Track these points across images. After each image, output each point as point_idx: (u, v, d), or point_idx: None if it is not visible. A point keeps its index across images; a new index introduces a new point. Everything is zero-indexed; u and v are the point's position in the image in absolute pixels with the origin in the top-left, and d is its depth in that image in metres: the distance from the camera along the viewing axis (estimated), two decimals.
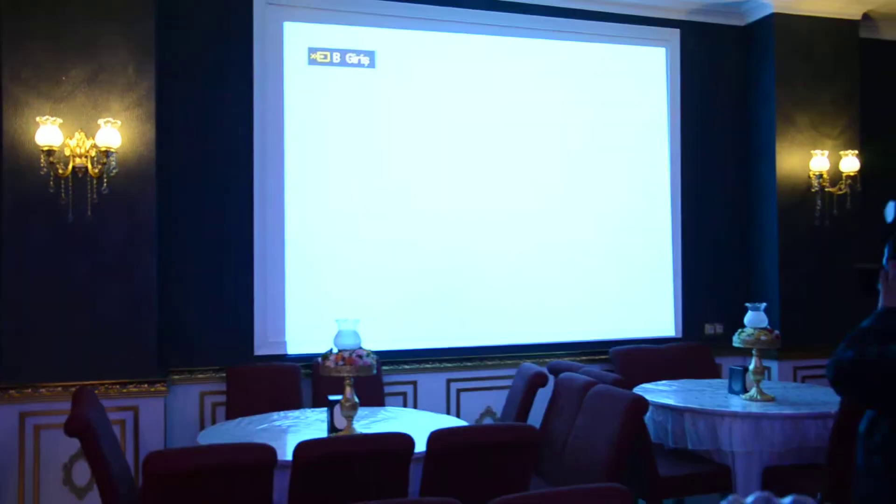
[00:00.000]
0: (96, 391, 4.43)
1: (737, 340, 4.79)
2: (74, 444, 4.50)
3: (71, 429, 3.59)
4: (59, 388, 4.62)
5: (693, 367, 5.93)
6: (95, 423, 3.69)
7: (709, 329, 6.50)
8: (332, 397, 3.99)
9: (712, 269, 6.55)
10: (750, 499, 1.18)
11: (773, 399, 4.68)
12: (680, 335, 6.41)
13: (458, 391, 5.79)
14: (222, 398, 5.22)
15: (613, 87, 6.36)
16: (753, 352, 4.74)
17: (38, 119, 4.55)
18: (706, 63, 6.60)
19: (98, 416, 3.88)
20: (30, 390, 4.61)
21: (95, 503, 4.47)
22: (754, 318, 4.77)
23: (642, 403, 3.97)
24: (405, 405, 5.62)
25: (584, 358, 5.93)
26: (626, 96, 6.40)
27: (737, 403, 4.64)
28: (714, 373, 6.03)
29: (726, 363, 6.04)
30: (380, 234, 5.72)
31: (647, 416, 4.59)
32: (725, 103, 6.65)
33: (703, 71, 6.59)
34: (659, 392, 5.01)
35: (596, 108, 6.29)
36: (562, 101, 6.19)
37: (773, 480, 4.33)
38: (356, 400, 3.89)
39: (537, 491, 2.54)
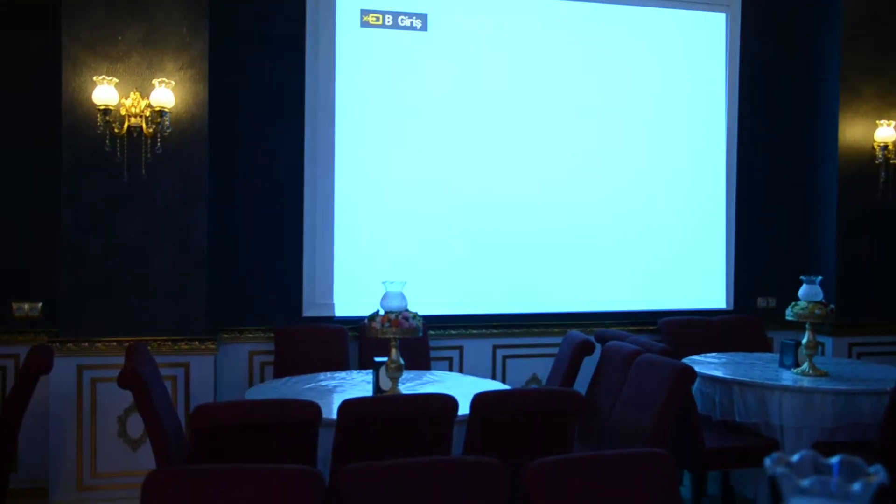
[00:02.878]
0: (149, 347, 4.54)
1: (790, 314, 4.67)
2: (128, 398, 4.60)
3: (124, 382, 3.68)
4: (114, 343, 4.74)
5: (744, 341, 5.82)
6: (147, 377, 3.78)
7: (761, 302, 6.37)
8: (377, 359, 4.02)
9: (767, 241, 6.39)
10: (796, 457, 1.15)
11: (825, 374, 4.57)
12: (731, 308, 6.29)
13: (504, 357, 5.79)
14: (270, 358, 5.31)
15: (671, 53, 6.21)
16: (807, 326, 4.63)
17: (95, 78, 4.63)
18: (768, 29, 6.39)
19: (150, 371, 3.97)
20: (86, 344, 4.74)
21: (148, 455, 4.57)
22: (809, 292, 4.65)
23: (689, 372, 3.92)
24: (451, 370, 5.64)
25: (632, 328, 5.86)
26: (684, 63, 6.24)
27: (788, 377, 4.55)
28: (765, 347, 5.91)
29: (778, 338, 5.90)
30: (428, 198, 5.71)
31: (695, 388, 4.53)
32: (787, 70, 6.44)
33: (765, 36, 6.38)
34: (707, 364, 4.93)
35: (652, 74, 6.15)
36: (617, 68, 6.07)
37: (824, 456, 4.23)
38: (401, 362, 3.90)
39: (579, 454, 2.53)
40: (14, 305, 5.13)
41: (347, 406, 3.13)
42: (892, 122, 6.03)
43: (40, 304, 5.14)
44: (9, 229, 5.12)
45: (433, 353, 5.54)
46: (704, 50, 6.30)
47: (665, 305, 6.10)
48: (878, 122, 6.07)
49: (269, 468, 2.17)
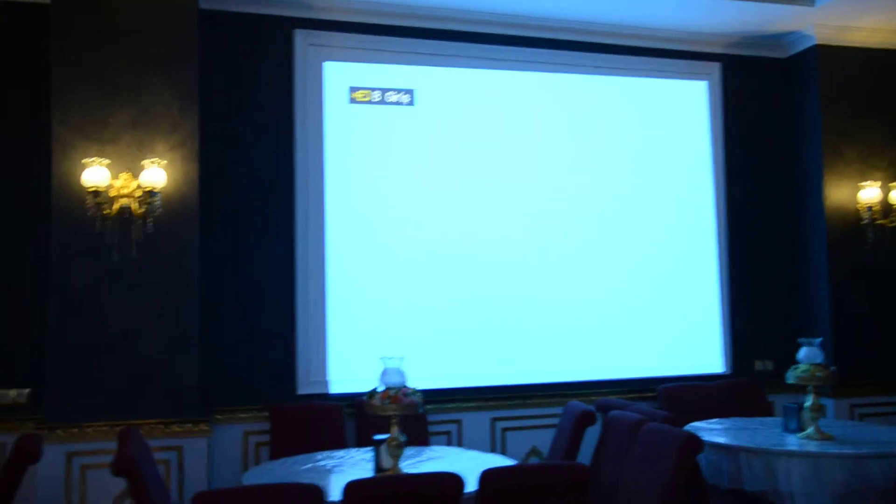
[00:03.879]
0: (141, 430, 4.41)
1: (791, 377, 4.64)
2: (120, 484, 4.48)
3: (118, 469, 3.56)
4: (105, 428, 4.61)
5: (744, 405, 5.77)
6: (142, 463, 3.66)
7: (759, 365, 6.34)
8: (377, 436, 3.92)
9: (761, 305, 6.40)
10: None
11: (831, 438, 4.51)
12: (729, 372, 6.25)
13: (504, 430, 5.69)
14: (265, 437, 5.18)
15: (655, 121, 6.31)
16: (809, 389, 4.59)
17: (84, 161, 4.61)
18: (748, 96, 6.54)
19: (144, 456, 3.86)
20: (76, 430, 4.60)
21: None
22: (809, 354, 4.63)
23: (697, 442, 3.85)
24: (449, 444, 5.53)
25: (630, 395, 5.80)
26: (668, 130, 6.35)
27: (793, 442, 4.48)
28: (766, 410, 5.85)
29: (778, 401, 5.88)
30: (421, 272, 5.68)
31: (700, 456, 4.45)
32: (769, 136, 6.56)
33: (746, 103, 6.52)
34: (710, 430, 4.86)
35: (637, 142, 6.24)
36: (602, 136, 6.15)
37: None
38: (403, 439, 3.82)
39: None
40: (0, 392, 4.99)
41: (352, 488, 3.04)
42: (879, 183, 6.12)
43: (27, 391, 5.01)
44: None
45: (431, 428, 5.43)
46: (689, 117, 6.41)
47: (663, 372, 6.06)
48: (860, 183, 6.16)
49: None
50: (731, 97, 6.48)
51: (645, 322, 6.11)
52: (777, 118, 6.58)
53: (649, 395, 5.92)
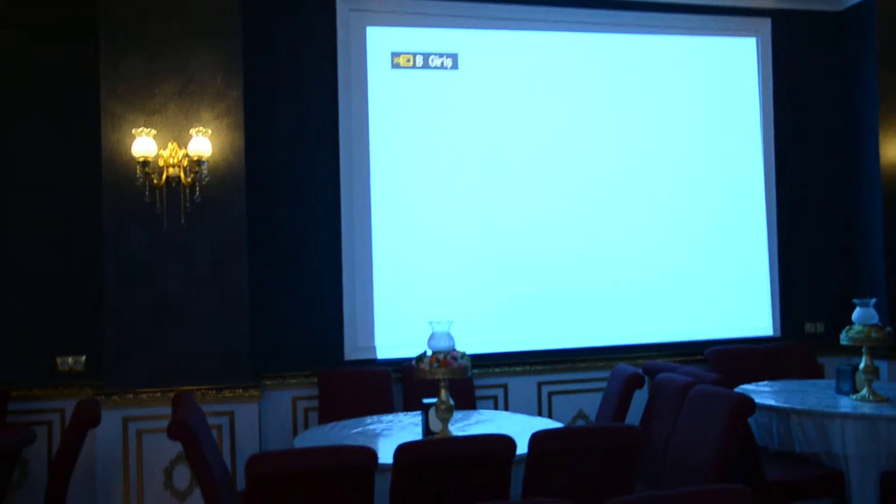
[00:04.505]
0: (193, 396, 4.50)
1: (844, 338, 4.56)
2: (174, 449, 4.58)
3: (173, 432, 3.64)
4: (159, 394, 4.71)
5: (794, 368, 5.69)
6: (196, 427, 3.74)
7: (809, 327, 6.23)
8: (426, 400, 3.95)
9: (812, 265, 6.27)
10: None
11: (886, 400, 4.43)
12: (778, 334, 6.16)
13: (550, 394, 5.69)
14: (314, 403, 5.26)
15: (703, 80, 6.18)
16: (864, 350, 4.51)
17: (133, 131, 4.66)
18: (800, 51, 6.36)
19: (198, 421, 3.94)
20: (131, 396, 4.71)
21: None
22: (863, 315, 4.54)
23: (749, 403, 3.81)
24: (496, 409, 5.55)
25: (678, 359, 5.76)
26: (717, 89, 6.21)
27: (847, 404, 4.42)
28: (817, 373, 5.77)
29: (829, 363, 5.79)
30: (467, 236, 5.67)
31: (750, 419, 4.41)
32: (821, 92, 6.38)
33: (797, 60, 6.34)
34: (761, 393, 4.81)
35: (687, 102, 6.12)
36: (650, 97, 6.04)
37: (893, 486, 4.09)
38: (451, 402, 3.83)
39: (657, 492, 2.44)
40: (58, 360, 5.13)
41: (404, 450, 3.06)
42: None
43: (84, 358, 5.14)
44: (50, 283, 5.15)
45: (477, 392, 5.46)
46: (738, 75, 6.26)
47: (711, 335, 5.99)
48: None
49: None
50: (781, 54, 6.31)
51: (694, 285, 6.04)
52: (830, 75, 6.38)
53: (698, 358, 5.86)
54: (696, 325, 6.02)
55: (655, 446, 4.31)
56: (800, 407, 4.37)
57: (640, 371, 4.81)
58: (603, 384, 5.14)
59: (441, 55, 5.71)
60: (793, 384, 5.15)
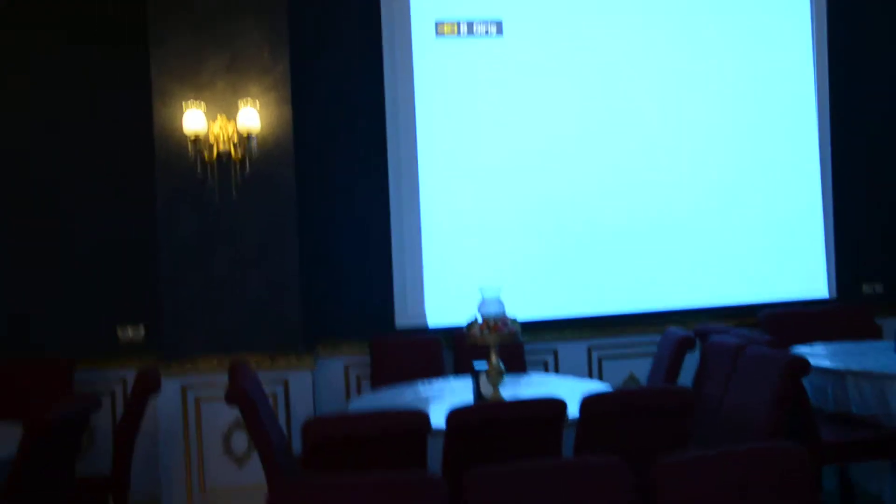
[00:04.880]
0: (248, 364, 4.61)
1: None
2: (232, 415, 4.71)
3: (231, 398, 3.75)
4: (215, 362, 4.83)
5: (851, 330, 5.56)
6: (253, 394, 3.84)
7: (867, 289, 6.10)
8: (477, 365, 3.98)
9: (869, 225, 6.11)
10: None
11: None
12: (834, 296, 6.04)
13: (600, 358, 5.69)
14: (366, 370, 5.34)
15: (755, 39, 6.00)
16: None
17: (183, 104, 4.75)
18: (856, 9, 6.13)
19: (254, 387, 4.04)
20: (189, 364, 4.84)
21: (253, 470, 4.68)
22: None
23: (802, 363, 3.78)
24: (547, 373, 5.57)
25: (730, 322, 5.68)
26: (770, 49, 6.03)
27: None
28: (875, 335, 5.64)
29: (888, 325, 5.66)
30: (515, 202, 5.66)
31: (804, 380, 4.35)
32: (879, 51, 6.15)
33: (853, 17, 6.11)
34: (816, 354, 4.73)
35: (738, 62, 5.97)
36: (701, 58, 5.90)
37: None
38: (502, 367, 3.87)
39: (709, 450, 2.44)
40: (119, 331, 5.30)
41: (457, 414, 3.11)
42: None
43: (142, 328, 5.30)
44: (108, 256, 5.30)
45: (528, 357, 5.48)
46: (791, 34, 6.08)
47: (764, 298, 5.90)
48: None
49: (392, 476, 2.16)
50: (836, 12, 6.08)
51: (745, 247, 5.93)
52: (889, 32, 6.14)
53: (750, 321, 5.78)
54: (749, 288, 5.93)
55: (708, 409, 4.29)
56: (857, 368, 4.30)
57: (691, 334, 4.77)
58: (653, 348, 5.12)
59: (486, 22, 5.67)
60: (849, 346, 5.05)
